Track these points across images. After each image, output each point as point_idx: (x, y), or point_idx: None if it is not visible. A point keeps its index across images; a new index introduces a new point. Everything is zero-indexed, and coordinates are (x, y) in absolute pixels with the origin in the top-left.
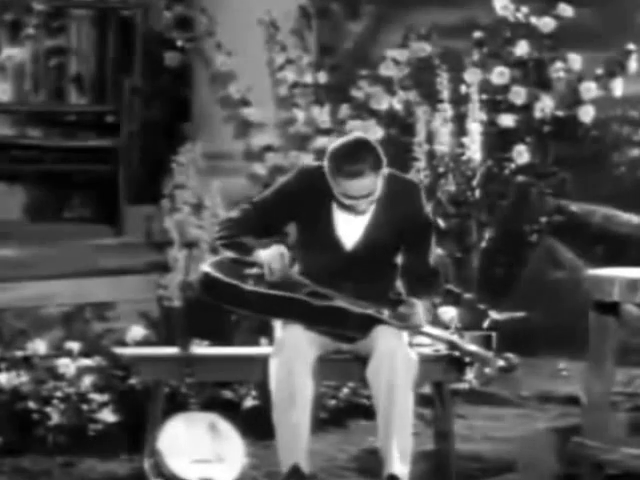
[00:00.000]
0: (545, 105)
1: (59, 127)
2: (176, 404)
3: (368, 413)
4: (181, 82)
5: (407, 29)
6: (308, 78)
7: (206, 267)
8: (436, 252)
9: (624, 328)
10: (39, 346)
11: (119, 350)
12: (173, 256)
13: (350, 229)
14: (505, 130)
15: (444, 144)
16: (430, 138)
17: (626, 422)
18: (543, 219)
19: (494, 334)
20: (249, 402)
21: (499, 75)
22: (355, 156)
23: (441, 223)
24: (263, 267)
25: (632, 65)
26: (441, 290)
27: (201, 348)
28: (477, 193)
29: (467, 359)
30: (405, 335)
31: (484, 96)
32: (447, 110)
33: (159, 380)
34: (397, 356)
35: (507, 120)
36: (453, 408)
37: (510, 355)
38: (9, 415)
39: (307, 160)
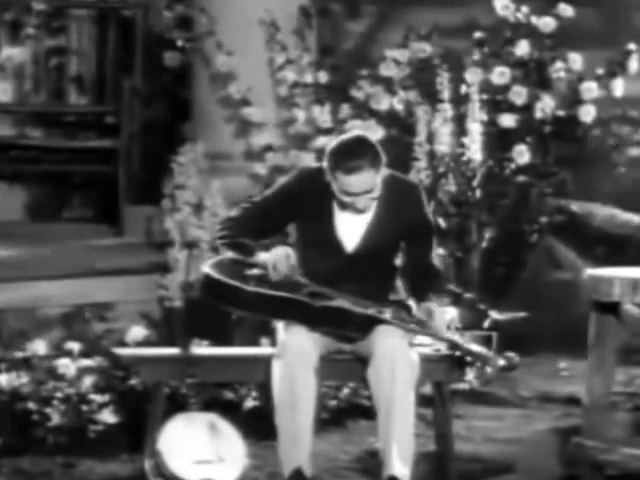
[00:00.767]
0: (546, 105)
1: (59, 127)
2: (176, 404)
3: (368, 413)
4: (181, 82)
5: (407, 29)
6: (308, 78)
7: (207, 268)
8: (437, 252)
9: (624, 328)
10: (39, 347)
11: (119, 350)
12: (173, 256)
13: (351, 230)
14: (506, 130)
15: (444, 144)
16: (430, 138)
17: (626, 422)
18: (543, 219)
19: (494, 334)
20: (250, 403)
21: (500, 75)
22: (354, 152)
23: (441, 223)
24: (267, 267)
25: (632, 65)
26: (444, 290)
27: (201, 348)
28: (477, 193)
29: (468, 359)
30: (406, 335)
31: (484, 96)
32: (447, 110)
33: (159, 381)
34: (398, 356)
35: (508, 120)
36: (451, 408)
37: (511, 354)
38: (9, 416)
39: (307, 160)
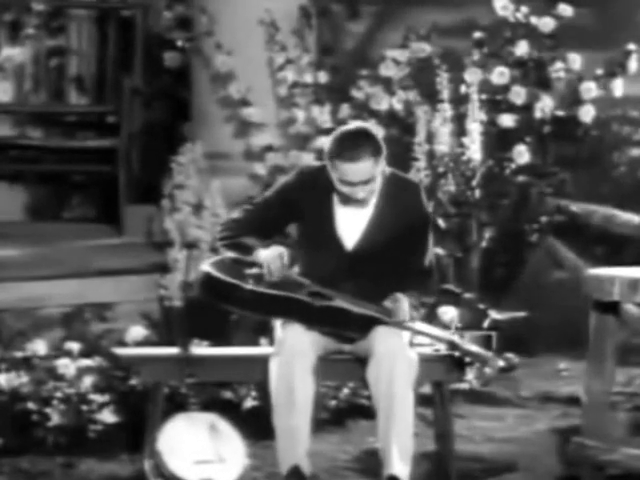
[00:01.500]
0: (545, 105)
1: (59, 127)
2: (176, 404)
3: (368, 413)
4: (181, 82)
5: (407, 29)
6: (308, 78)
7: (206, 267)
8: (433, 252)
9: (624, 328)
10: (39, 347)
11: (119, 350)
12: (173, 256)
13: (351, 228)
14: (505, 130)
15: (444, 144)
16: (430, 138)
17: (626, 422)
18: (543, 219)
19: (494, 334)
20: (249, 402)
21: (499, 75)
22: (355, 141)
23: (441, 223)
24: (262, 267)
25: (632, 65)
26: (433, 291)
27: (201, 348)
28: (477, 193)
29: (467, 359)
30: (405, 335)
31: (484, 96)
32: (447, 110)
33: (159, 380)
34: (397, 356)
35: (507, 120)
36: (451, 408)
37: (510, 355)
38: (9, 416)
39: (307, 160)
